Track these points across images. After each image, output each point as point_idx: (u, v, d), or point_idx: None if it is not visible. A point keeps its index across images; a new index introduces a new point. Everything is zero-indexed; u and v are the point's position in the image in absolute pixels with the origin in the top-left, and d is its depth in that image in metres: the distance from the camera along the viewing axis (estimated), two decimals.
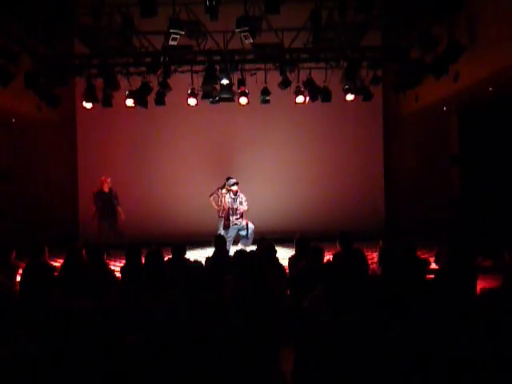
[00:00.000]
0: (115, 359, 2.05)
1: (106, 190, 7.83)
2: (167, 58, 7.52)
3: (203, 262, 4.81)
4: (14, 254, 4.74)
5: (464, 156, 7.78)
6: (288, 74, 7.77)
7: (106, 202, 7.75)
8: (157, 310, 2.91)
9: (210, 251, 7.06)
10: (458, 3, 5.67)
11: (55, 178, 9.37)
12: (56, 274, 4.56)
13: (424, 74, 6.82)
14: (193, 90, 8.10)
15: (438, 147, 8.44)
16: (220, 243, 5.11)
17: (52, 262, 5.21)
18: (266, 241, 5.04)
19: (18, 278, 4.72)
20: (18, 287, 4.52)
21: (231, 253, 5.13)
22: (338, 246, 4.74)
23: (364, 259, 4.72)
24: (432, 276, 3.74)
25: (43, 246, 4.62)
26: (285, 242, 8.58)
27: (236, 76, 7.93)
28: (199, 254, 7.69)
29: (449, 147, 8.08)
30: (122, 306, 3.05)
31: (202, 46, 7.19)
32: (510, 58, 5.33)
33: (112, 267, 5.65)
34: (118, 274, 4.78)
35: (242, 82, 8.02)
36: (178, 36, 5.99)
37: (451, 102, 7.54)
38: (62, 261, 5.01)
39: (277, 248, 8.23)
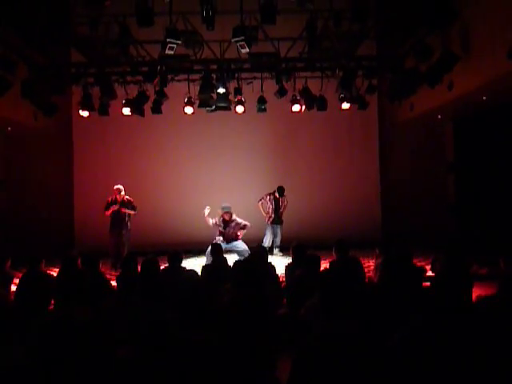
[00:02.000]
0: (108, 371, 2.03)
1: (119, 199, 7.62)
2: (164, 67, 7.56)
3: (199, 271, 4.80)
4: (8, 263, 4.71)
5: (459, 164, 7.83)
6: (284, 83, 7.82)
7: (116, 212, 7.59)
8: (152, 320, 2.89)
9: (205, 260, 7.06)
10: (452, 14, 5.76)
11: (51, 187, 9.33)
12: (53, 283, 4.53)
13: (419, 83, 6.89)
14: (189, 98, 8.13)
15: (434, 155, 8.50)
16: (216, 252, 5.10)
17: (48, 272, 5.17)
18: (257, 247, 5.05)
19: (13, 288, 4.69)
20: (13, 297, 4.48)
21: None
22: (334, 253, 4.74)
23: (360, 267, 4.72)
24: (428, 284, 3.74)
25: (40, 256, 4.60)
26: (282, 250, 8.59)
27: (232, 85, 7.98)
28: (195, 263, 7.66)
29: (444, 155, 8.14)
30: (117, 315, 3.03)
31: (198, 55, 7.23)
32: (503, 67, 5.40)
33: (108, 276, 5.63)
34: (113, 283, 4.75)
35: (238, 91, 8.07)
36: (175, 45, 6.04)
37: (446, 111, 7.61)
38: (57, 270, 4.98)
39: (274, 255, 8.26)
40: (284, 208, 8.88)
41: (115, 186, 7.67)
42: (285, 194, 8.80)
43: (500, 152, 6.99)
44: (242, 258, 7.32)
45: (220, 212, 7.55)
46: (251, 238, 8.11)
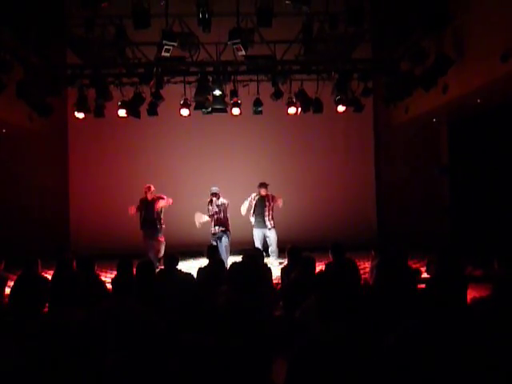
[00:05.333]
0: (102, 374, 2.02)
1: (150, 198, 7.45)
2: (160, 69, 7.55)
3: (195, 273, 4.79)
4: (2, 266, 4.68)
5: (454, 166, 7.88)
6: (280, 86, 7.84)
7: (148, 211, 7.40)
8: (147, 322, 2.88)
9: (202, 262, 7.04)
10: (446, 18, 5.81)
11: (46, 189, 9.28)
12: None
13: (413, 86, 6.93)
14: (185, 100, 8.12)
15: (429, 157, 8.56)
16: (213, 254, 5.09)
17: (43, 273, 5.14)
18: (252, 249, 5.05)
19: (7, 290, 4.66)
20: (8, 299, 4.45)
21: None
22: (330, 256, 4.75)
23: (356, 269, 4.73)
24: (423, 285, 3.75)
25: (36, 258, 4.57)
26: (279, 257, 8.56)
27: (228, 87, 7.98)
28: (192, 265, 7.64)
29: (439, 157, 8.19)
30: (112, 318, 3.01)
31: (194, 58, 7.24)
32: (497, 71, 5.45)
33: (103, 278, 5.60)
34: (109, 286, 4.72)
35: (234, 93, 8.07)
36: (171, 47, 6.05)
37: (440, 114, 7.66)
38: (52, 272, 4.95)
39: (270, 257, 8.23)
40: (271, 210, 7.81)
41: (146, 185, 7.56)
42: (269, 193, 7.84)
43: (494, 154, 7.05)
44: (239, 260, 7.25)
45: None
46: (248, 240, 8.13)
